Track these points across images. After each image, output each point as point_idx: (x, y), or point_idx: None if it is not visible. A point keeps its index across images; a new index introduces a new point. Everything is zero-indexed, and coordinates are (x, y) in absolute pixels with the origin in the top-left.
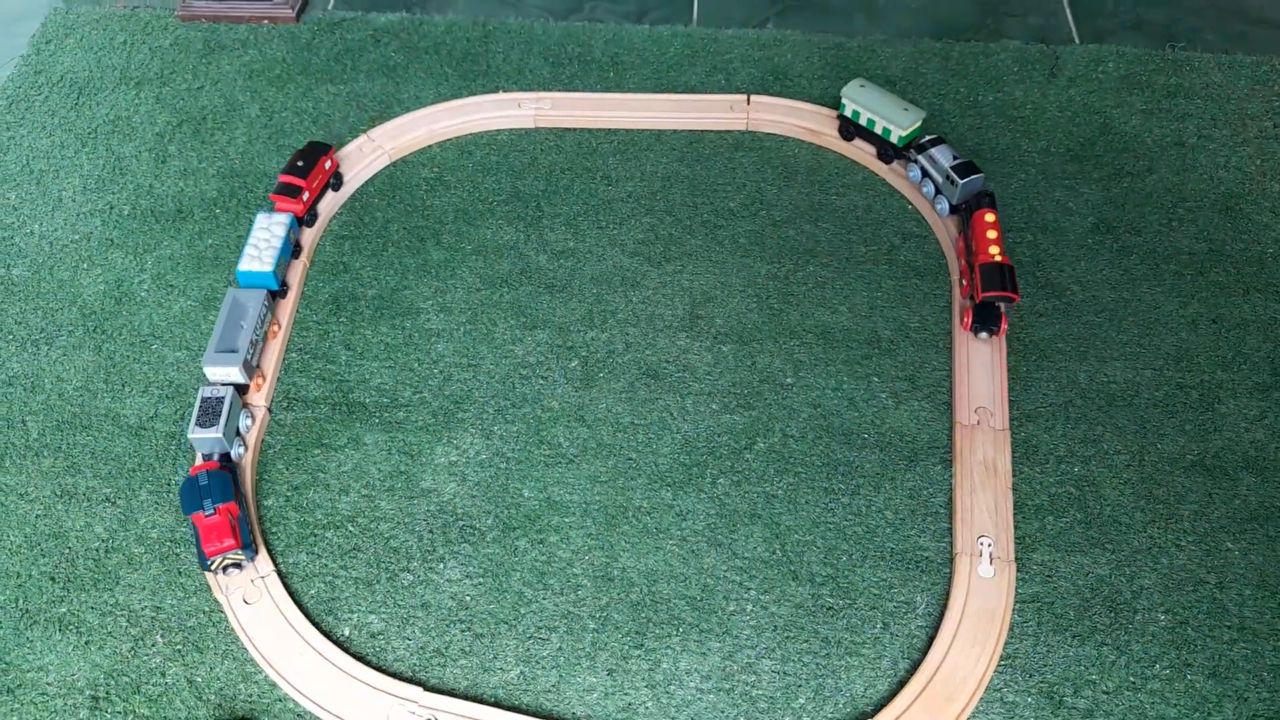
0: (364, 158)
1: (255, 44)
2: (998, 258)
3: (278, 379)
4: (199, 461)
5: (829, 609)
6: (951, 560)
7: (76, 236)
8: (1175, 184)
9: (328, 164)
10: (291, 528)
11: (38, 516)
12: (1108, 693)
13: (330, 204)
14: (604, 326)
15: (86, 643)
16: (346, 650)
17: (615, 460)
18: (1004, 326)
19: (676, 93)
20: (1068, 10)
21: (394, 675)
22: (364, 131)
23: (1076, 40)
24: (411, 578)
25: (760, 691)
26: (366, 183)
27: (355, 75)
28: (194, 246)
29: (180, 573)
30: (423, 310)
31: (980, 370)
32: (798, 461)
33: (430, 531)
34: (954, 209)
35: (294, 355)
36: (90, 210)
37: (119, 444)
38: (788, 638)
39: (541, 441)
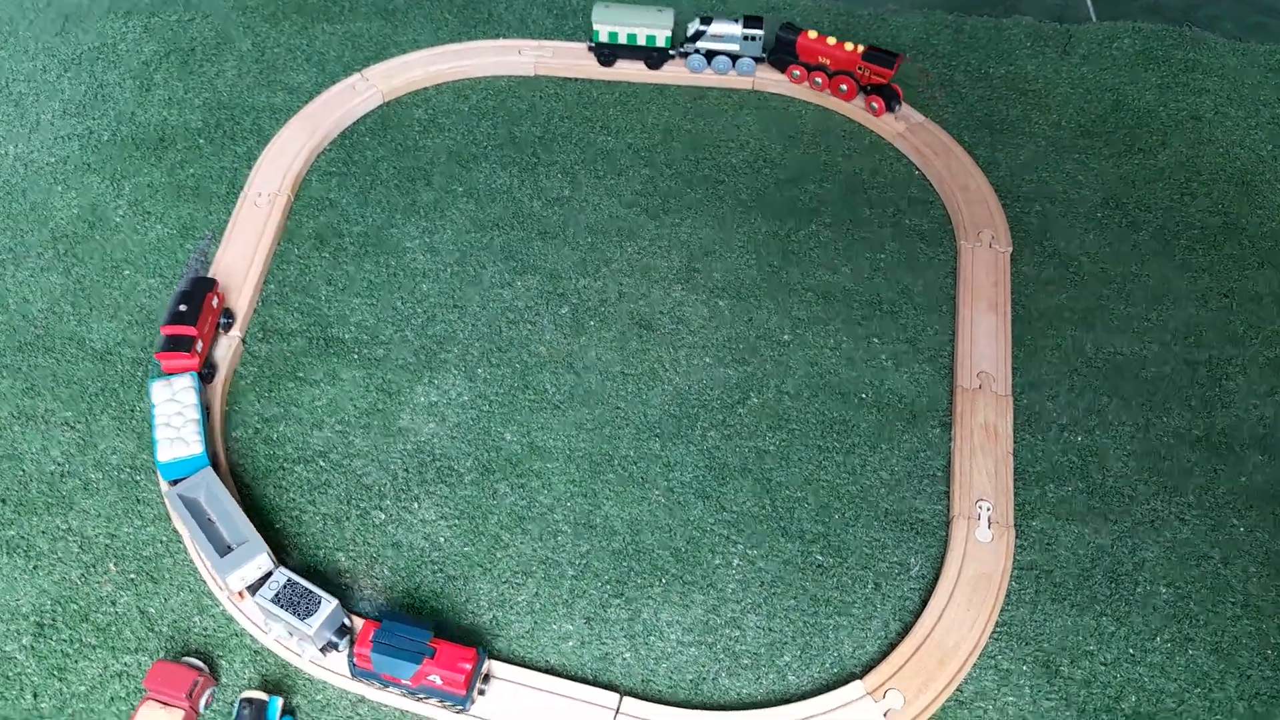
0: (356, 95)
1: None
2: (860, 48)
3: (254, 310)
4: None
5: (819, 567)
6: (948, 524)
7: (52, 159)
8: (1189, 158)
9: (215, 301)
10: (259, 461)
11: None
12: (1106, 664)
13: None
14: (597, 275)
15: (34, 568)
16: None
17: (602, 409)
18: (900, 93)
19: None
20: None
21: (358, 615)
22: (357, 71)
23: (1094, 19)
24: (383, 516)
25: (744, 647)
26: (357, 121)
27: (352, 15)
28: (175, 175)
29: (139, 500)
30: (409, 249)
31: (984, 336)
32: (792, 418)
33: (405, 470)
34: (759, 60)
35: (272, 288)
36: (68, 134)
37: (82, 368)
38: (774, 594)
39: (526, 386)
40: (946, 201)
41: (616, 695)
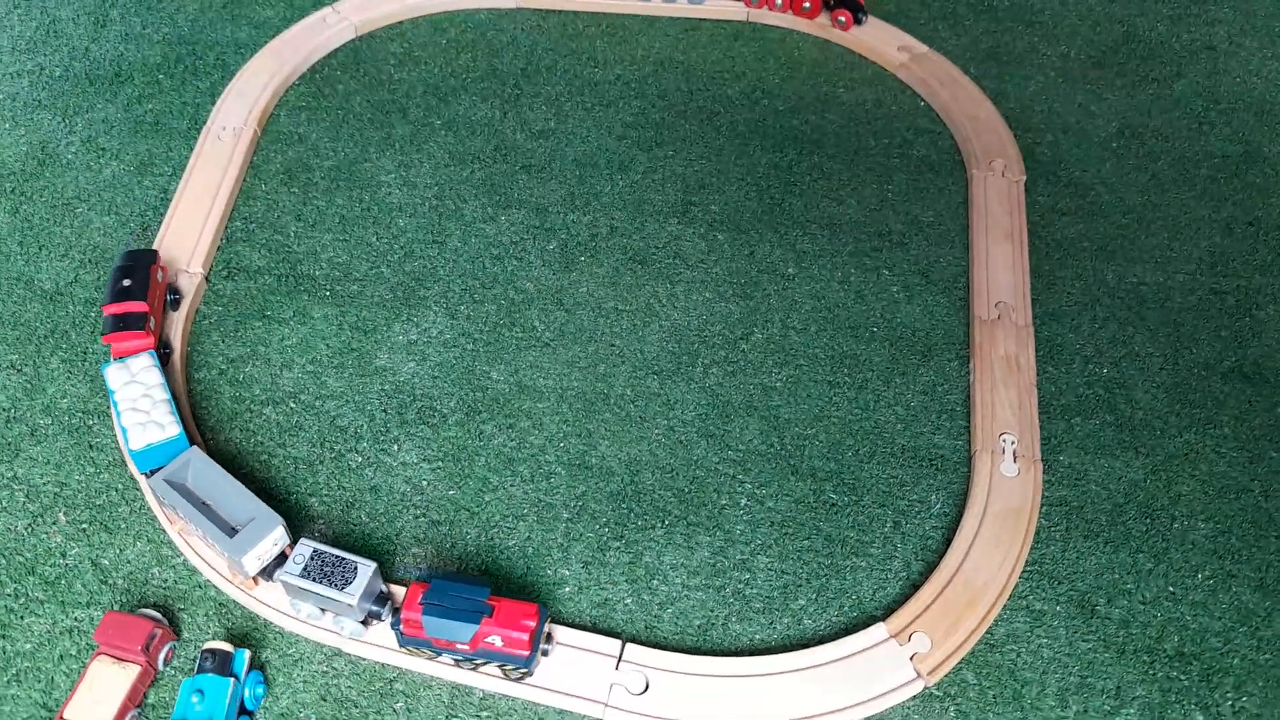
0: (326, 29)
1: None
2: None
3: (218, 248)
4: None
5: (832, 505)
6: (970, 458)
7: (1, 96)
8: (1206, 88)
9: (159, 274)
10: (224, 403)
11: None
12: (1145, 603)
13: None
14: (587, 209)
15: None
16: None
17: (596, 346)
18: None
19: None
20: None
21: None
22: (328, 4)
23: None
24: (360, 459)
25: (755, 590)
26: (329, 55)
27: None
28: (131, 110)
29: (91, 446)
30: (384, 184)
31: (1000, 265)
32: (799, 353)
33: (384, 412)
34: None
35: (238, 224)
36: (17, 71)
37: (30, 309)
38: (786, 534)
39: (513, 324)
40: (956, 131)
41: (619, 642)
